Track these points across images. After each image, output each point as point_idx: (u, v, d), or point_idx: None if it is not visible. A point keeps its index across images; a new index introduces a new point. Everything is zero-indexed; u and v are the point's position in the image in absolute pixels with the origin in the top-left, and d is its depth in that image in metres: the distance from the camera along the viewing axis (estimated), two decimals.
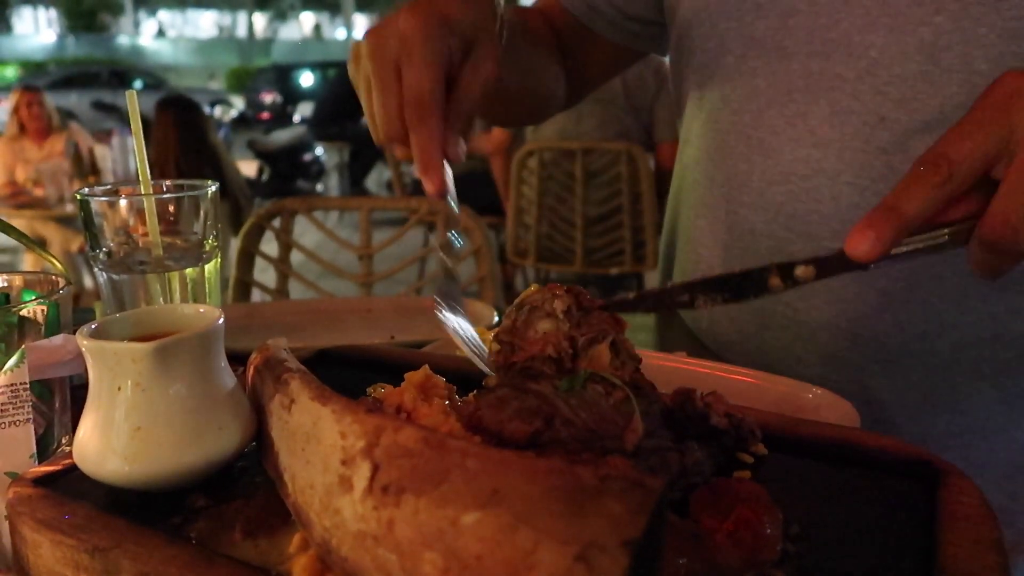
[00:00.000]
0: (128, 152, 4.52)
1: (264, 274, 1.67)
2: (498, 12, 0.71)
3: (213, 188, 0.75)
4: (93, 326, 0.49)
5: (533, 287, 0.53)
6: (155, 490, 0.47)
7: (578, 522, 0.30)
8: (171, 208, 0.73)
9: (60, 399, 0.60)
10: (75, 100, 12.70)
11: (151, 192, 0.72)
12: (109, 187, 0.75)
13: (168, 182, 0.76)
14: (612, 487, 0.31)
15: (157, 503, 0.47)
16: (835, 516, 0.47)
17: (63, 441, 0.61)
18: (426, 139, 0.62)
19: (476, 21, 0.67)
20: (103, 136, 4.91)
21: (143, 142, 0.73)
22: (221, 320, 0.49)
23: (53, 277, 0.65)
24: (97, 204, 0.71)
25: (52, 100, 4.63)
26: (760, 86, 0.82)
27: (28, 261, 4.39)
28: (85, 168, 4.17)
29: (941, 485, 0.47)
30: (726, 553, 0.41)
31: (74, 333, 0.49)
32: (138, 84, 15.61)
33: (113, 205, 0.72)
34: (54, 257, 0.76)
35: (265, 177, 6.81)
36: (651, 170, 2.91)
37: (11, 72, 20.16)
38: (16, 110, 4.40)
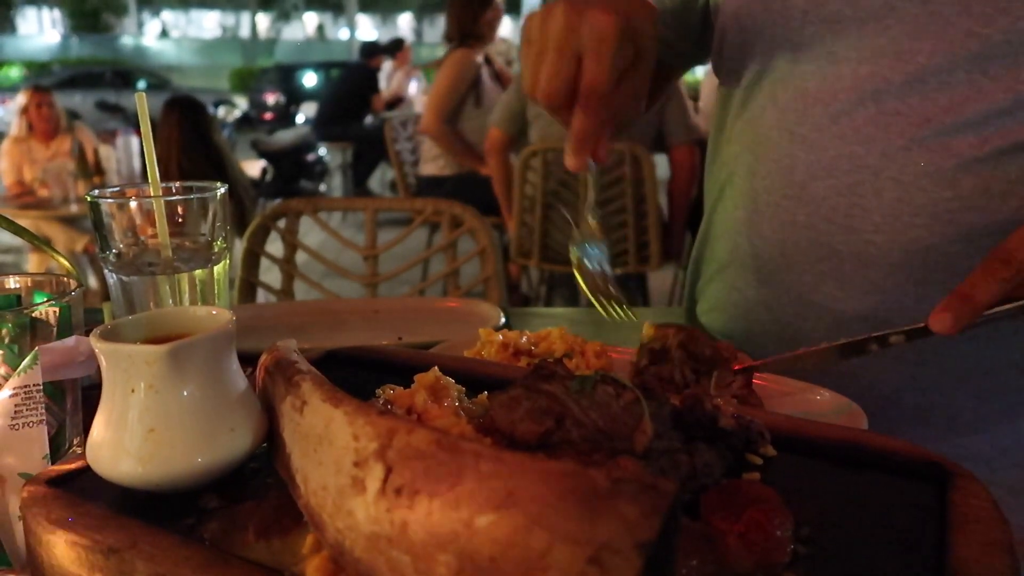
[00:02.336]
0: (132, 152, 4.52)
1: (268, 274, 1.67)
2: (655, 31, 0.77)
3: (222, 190, 0.75)
4: (106, 328, 0.49)
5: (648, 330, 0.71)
6: (168, 491, 0.48)
7: (591, 524, 0.31)
8: (180, 210, 0.74)
9: (72, 400, 0.61)
10: (79, 100, 12.71)
11: (160, 194, 0.72)
12: (118, 188, 0.75)
13: (177, 184, 0.76)
14: (625, 490, 0.31)
15: (170, 504, 0.47)
16: (845, 518, 0.47)
17: (75, 442, 0.61)
18: (588, 126, 0.72)
19: (651, 35, 0.74)
20: (108, 136, 4.92)
21: (152, 144, 0.73)
22: (233, 322, 0.50)
23: (64, 278, 0.65)
24: (107, 206, 0.72)
25: (58, 100, 4.64)
26: (809, 88, 0.84)
27: (32, 261, 4.39)
28: (89, 168, 4.18)
29: (951, 487, 0.47)
30: (737, 555, 0.41)
31: (85, 334, 0.49)
32: (142, 84, 15.62)
33: (123, 207, 0.72)
34: (64, 258, 0.77)
35: (269, 177, 6.81)
36: (655, 171, 2.91)
37: (15, 72, 20.18)
38: (25, 110, 4.42)
